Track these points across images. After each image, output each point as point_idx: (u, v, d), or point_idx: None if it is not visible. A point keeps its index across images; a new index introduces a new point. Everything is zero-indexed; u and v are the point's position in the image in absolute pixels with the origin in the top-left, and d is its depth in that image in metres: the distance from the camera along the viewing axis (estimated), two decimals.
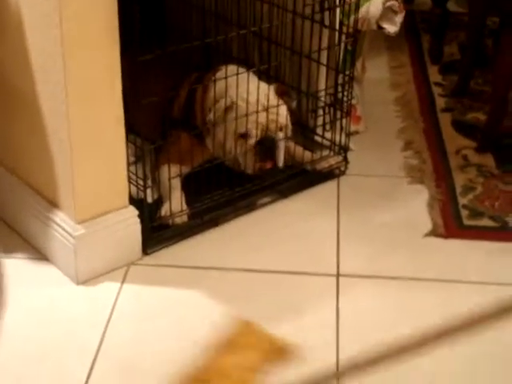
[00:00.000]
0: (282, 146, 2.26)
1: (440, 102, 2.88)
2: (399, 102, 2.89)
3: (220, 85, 2.18)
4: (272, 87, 2.28)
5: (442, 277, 2.04)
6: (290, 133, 2.33)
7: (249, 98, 2.19)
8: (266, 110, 2.20)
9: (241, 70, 2.22)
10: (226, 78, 2.14)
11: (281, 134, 2.26)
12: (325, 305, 1.95)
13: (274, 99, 2.25)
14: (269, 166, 2.25)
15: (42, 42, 1.81)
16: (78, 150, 1.87)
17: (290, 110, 2.33)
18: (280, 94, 2.29)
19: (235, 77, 2.17)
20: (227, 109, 2.19)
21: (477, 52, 2.88)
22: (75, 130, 1.84)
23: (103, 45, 1.80)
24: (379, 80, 3.02)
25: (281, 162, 2.28)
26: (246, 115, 2.18)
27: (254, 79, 2.24)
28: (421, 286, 2.01)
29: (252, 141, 2.22)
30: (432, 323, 1.84)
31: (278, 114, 2.24)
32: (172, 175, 2.13)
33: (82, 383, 1.71)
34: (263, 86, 2.24)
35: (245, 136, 2.22)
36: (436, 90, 2.97)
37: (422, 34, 3.40)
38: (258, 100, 2.19)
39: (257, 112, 2.19)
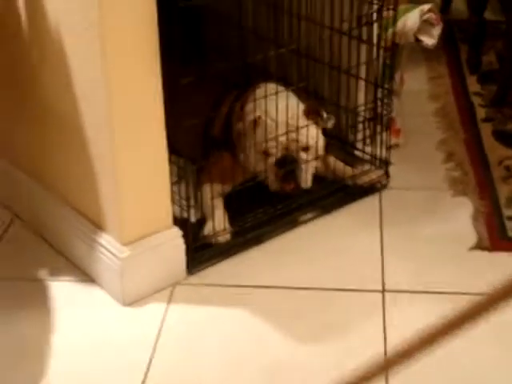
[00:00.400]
0: (305, 167, 2.24)
1: (480, 112, 2.86)
2: (439, 114, 2.87)
3: (254, 102, 2.19)
4: (301, 107, 2.26)
5: (487, 290, 2.02)
6: (320, 153, 2.30)
7: (277, 115, 2.18)
8: (287, 129, 2.19)
9: (278, 87, 2.23)
10: (265, 96, 2.15)
11: (304, 155, 2.24)
12: (371, 322, 1.93)
13: (301, 119, 2.23)
14: (290, 187, 2.23)
15: (84, 69, 1.84)
16: (122, 173, 1.89)
17: (323, 129, 2.31)
18: (309, 114, 2.26)
19: (270, 94, 2.17)
20: (255, 123, 2.20)
21: None
22: (119, 154, 1.87)
23: (145, 70, 1.82)
24: (418, 92, 3.00)
25: (305, 184, 2.25)
26: (265, 132, 2.18)
27: (283, 97, 2.22)
28: (467, 300, 1.98)
29: (272, 159, 2.22)
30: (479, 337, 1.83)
31: (300, 134, 2.22)
32: (214, 195, 2.15)
33: None
34: (292, 104, 2.23)
35: (266, 154, 2.22)
36: (476, 100, 2.94)
37: (460, 44, 3.38)
38: (285, 119, 2.19)
39: (276, 130, 2.18)
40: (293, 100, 2.24)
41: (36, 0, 1.91)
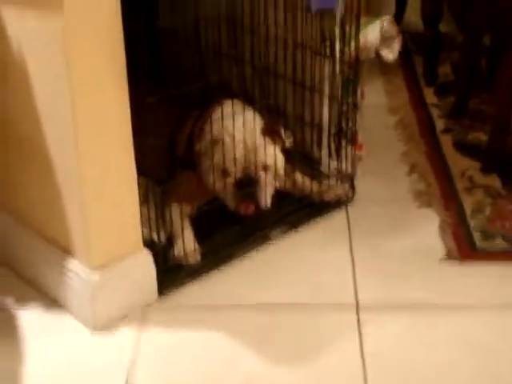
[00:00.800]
0: (264, 187, 2.20)
1: (439, 124, 2.89)
2: (399, 126, 2.89)
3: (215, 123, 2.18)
4: (259, 125, 2.24)
5: (460, 302, 2.03)
6: (280, 172, 2.27)
7: (235, 134, 2.16)
8: (245, 148, 2.18)
9: (236, 105, 2.21)
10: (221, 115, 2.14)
11: (263, 175, 2.21)
12: (346, 339, 1.92)
13: (259, 138, 2.21)
14: (249, 208, 2.19)
15: (48, 89, 1.80)
16: (90, 197, 1.86)
17: (283, 149, 2.29)
18: (267, 133, 2.24)
19: (228, 113, 2.16)
20: (213, 142, 2.17)
21: (472, 72, 2.90)
22: (86, 176, 1.83)
23: (112, 87, 1.79)
24: (377, 105, 3.03)
25: (264, 204, 2.21)
26: (222, 152, 2.16)
27: (241, 116, 2.20)
28: (441, 312, 2.00)
29: (231, 179, 2.19)
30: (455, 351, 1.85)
31: (259, 153, 2.19)
32: (183, 215, 2.12)
33: None
34: (250, 123, 2.21)
35: (224, 173, 2.19)
36: (434, 112, 2.98)
37: (414, 56, 3.42)
38: (243, 139, 2.17)
39: (234, 149, 2.16)
40: (251, 119, 2.22)
41: None
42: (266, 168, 2.21)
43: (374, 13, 2.57)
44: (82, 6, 1.69)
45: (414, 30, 3.56)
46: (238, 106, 2.22)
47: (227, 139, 2.17)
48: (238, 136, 2.17)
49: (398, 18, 3.62)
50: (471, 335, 1.92)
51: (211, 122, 2.18)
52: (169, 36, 2.77)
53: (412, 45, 3.46)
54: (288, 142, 2.31)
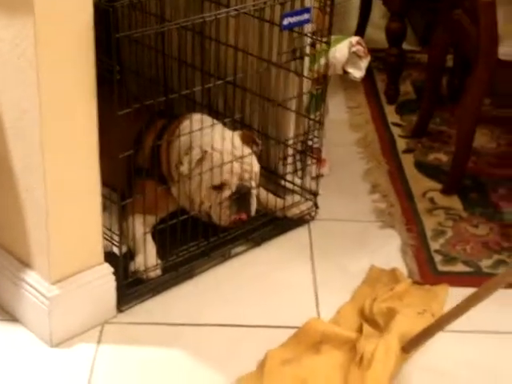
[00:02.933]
0: (254, 195, 2.24)
1: (401, 143, 2.90)
2: (361, 144, 2.89)
3: (186, 136, 2.14)
4: (236, 135, 2.23)
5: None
6: (257, 181, 2.29)
7: (224, 146, 2.15)
8: (241, 158, 2.17)
9: (206, 118, 2.19)
10: (190, 131, 2.11)
11: (253, 183, 2.23)
12: None
13: (242, 147, 2.21)
14: (244, 217, 2.20)
15: (16, 99, 1.75)
16: (53, 208, 1.81)
17: (257, 156, 2.30)
18: (247, 141, 2.25)
19: (200, 127, 2.13)
20: (200, 160, 2.15)
21: (435, 91, 2.92)
22: (51, 187, 1.78)
23: (80, 101, 1.75)
24: (338, 121, 3.02)
25: (254, 212, 2.24)
26: (221, 165, 2.15)
27: (218, 128, 2.20)
28: None
29: (228, 193, 2.17)
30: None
31: (246, 162, 2.20)
32: (145, 227, 2.08)
33: None
34: (228, 134, 2.21)
35: (218, 188, 2.17)
36: (395, 131, 2.99)
37: (376, 73, 3.43)
38: (231, 149, 2.15)
39: (231, 162, 2.15)
40: (227, 130, 2.21)
41: None
42: (253, 176, 2.22)
43: (336, 29, 2.56)
44: (55, 17, 1.65)
45: (374, 47, 3.58)
46: (206, 118, 2.19)
47: (216, 153, 2.14)
48: (226, 148, 2.15)
49: (360, 34, 3.63)
50: (429, 357, 1.93)
51: (185, 135, 2.14)
52: (131, 44, 2.72)
53: (374, 62, 3.47)
54: (258, 150, 2.30)
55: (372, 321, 1.96)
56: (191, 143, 2.14)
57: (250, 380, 1.80)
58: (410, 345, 1.86)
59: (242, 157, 2.18)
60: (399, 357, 1.85)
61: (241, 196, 2.18)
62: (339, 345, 1.87)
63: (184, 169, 2.15)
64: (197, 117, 2.20)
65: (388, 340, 1.85)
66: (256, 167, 2.24)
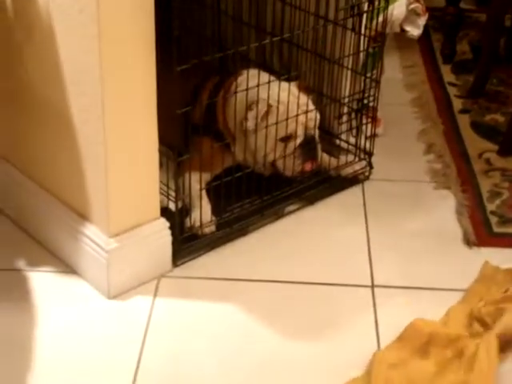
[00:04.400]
0: (319, 143, 2.27)
1: (457, 103, 2.87)
2: (416, 104, 2.86)
3: (244, 91, 2.13)
4: (294, 85, 2.23)
5: None
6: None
7: (287, 99, 2.16)
8: (306, 110, 2.19)
9: (263, 74, 2.18)
10: (247, 85, 2.10)
11: (317, 131, 2.25)
12: (362, 317, 1.92)
13: (303, 97, 2.22)
14: (310, 166, 2.24)
15: (76, 53, 1.76)
16: (113, 164, 1.83)
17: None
18: (304, 90, 2.25)
19: (257, 82, 2.12)
20: (266, 114, 2.15)
21: (493, 52, 2.86)
22: (110, 142, 1.80)
23: (140, 56, 1.76)
24: (393, 81, 2.99)
25: (320, 158, 2.29)
26: (287, 117, 2.16)
27: (274, 81, 2.19)
28: (456, 296, 1.99)
29: (296, 142, 2.20)
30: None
31: (310, 113, 2.22)
32: (202, 184, 2.09)
33: None
34: (286, 86, 2.20)
35: (286, 139, 2.19)
36: (451, 91, 2.95)
37: (432, 33, 3.37)
38: (297, 101, 2.16)
39: (297, 114, 2.17)
40: (283, 82, 2.21)
41: None
42: (316, 125, 2.25)
43: None
44: None
45: (431, 6, 3.51)
46: (264, 74, 2.18)
47: (281, 106, 2.16)
48: (290, 99, 2.16)
49: None
50: None
51: (236, 91, 2.14)
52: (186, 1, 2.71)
53: (431, 21, 3.41)
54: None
55: (481, 320, 1.87)
56: (254, 97, 2.14)
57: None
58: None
59: (306, 108, 2.19)
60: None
61: (307, 145, 2.21)
62: (448, 343, 1.79)
63: (250, 124, 2.16)
64: (253, 72, 2.19)
65: (489, 338, 1.77)
66: (318, 115, 2.26)
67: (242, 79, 2.21)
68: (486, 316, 1.86)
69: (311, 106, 2.23)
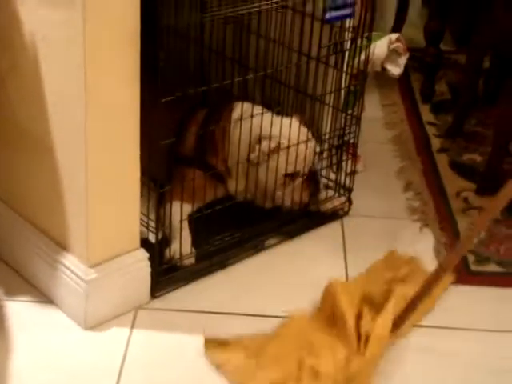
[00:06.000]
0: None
1: (435, 142, 2.90)
2: (396, 142, 2.89)
3: (244, 124, 2.16)
4: (295, 120, 2.26)
5: (455, 325, 2.03)
6: None
7: (291, 136, 2.21)
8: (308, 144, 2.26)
9: (256, 108, 2.20)
10: (251, 116, 2.16)
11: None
12: None
13: (304, 131, 2.26)
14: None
15: (60, 84, 1.77)
16: (93, 194, 1.82)
17: None
18: (304, 124, 2.29)
19: (255, 115, 2.16)
20: (274, 150, 2.19)
21: (472, 92, 2.91)
22: (92, 173, 1.80)
23: (124, 88, 1.77)
24: (373, 119, 3.02)
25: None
26: (296, 155, 2.22)
27: (276, 116, 2.23)
28: (436, 333, 2.00)
29: (300, 178, 2.26)
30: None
31: (313, 146, 2.28)
32: (183, 215, 2.09)
33: None
34: (287, 121, 2.24)
35: (291, 175, 2.23)
36: (430, 130, 2.99)
37: (411, 73, 3.42)
38: (299, 137, 2.22)
39: (305, 151, 2.24)
40: (284, 117, 2.25)
41: (10, 5, 1.83)
42: (316, 158, 2.34)
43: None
44: (102, 10, 1.67)
45: (411, 46, 3.56)
46: (258, 108, 2.22)
47: (291, 143, 2.20)
48: (293, 136, 2.21)
49: (396, 32, 3.62)
50: (462, 355, 1.93)
51: (241, 123, 2.19)
52: (170, 34, 2.73)
53: (410, 61, 3.46)
54: None
55: (369, 301, 1.98)
56: (264, 132, 2.18)
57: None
58: (400, 320, 1.88)
59: (304, 142, 2.25)
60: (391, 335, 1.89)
61: (311, 178, 2.29)
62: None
63: (254, 157, 2.19)
64: (247, 106, 2.21)
65: (383, 319, 1.89)
66: (317, 149, 2.32)
67: (237, 113, 2.23)
68: (375, 298, 1.98)
69: (312, 141, 2.29)
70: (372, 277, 2.11)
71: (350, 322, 1.89)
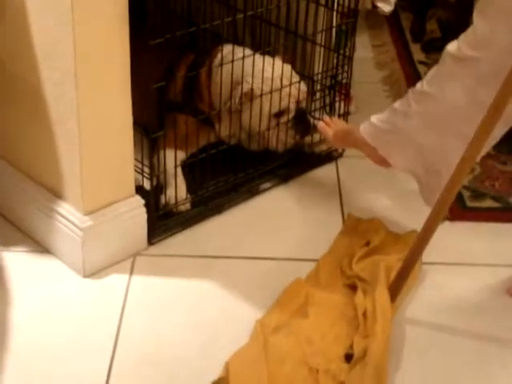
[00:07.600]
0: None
1: None
2: (387, 82, 2.87)
3: (227, 67, 2.12)
4: (278, 59, 2.23)
5: (449, 260, 2.04)
6: None
7: (269, 75, 2.16)
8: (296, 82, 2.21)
9: (239, 50, 2.17)
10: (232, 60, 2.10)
11: (304, 103, 2.28)
12: None
13: (289, 69, 2.21)
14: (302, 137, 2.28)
15: (50, 26, 1.73)
16: (87, 140, 1.80)
17: None
18: (288, 63, 2.26)
19: (241, 56, 2.12)
20: (247, 94, 2.15)
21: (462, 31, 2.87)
22: (84, 118, 1.77)
23: (115, 30, 1.73)
24: (364, 59, 2.99)
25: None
26: (280, 92, 2.17)
27: (258, 56, 2.19)
28: (429, 269, 2.01)
29: (286, 117, 2.21)
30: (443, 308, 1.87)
31: (299, 85, 2.23)
32: (177, 162, 2.08)
33: (103, 378, 1.66)
34: (271, 60, 2.20)
35: (279, 114, 2.20)
36: (421, 69, 2.96)
37: (400, 12, 3.38)
38: (288, 75, 2.18)
39: (290, 85, 2.19)
40: (267, 57, 2.20)
41: None
42: (305, 97, 2.28)
43: None
44: None
45: None
46: (242, 50, 2.17)
47: (269, 83, 2.16)
48: (276, 74, 2.17)
49: None
50: (456, 289, 1.95)
51: (221, 66, 2.13)
52: None
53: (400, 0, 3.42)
54: None
55: (357, 276, 1.91)
56: (238, 77, 2.13)
57: (246, 355, 1.72)
58: (392, 293, 1.83)
59: (297, 80, 2.21)
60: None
61: (299, 118, 2.23)
62: (326, 309, 1.84)
63: (234, 103, 2.15)
64: (229, 48, 2.17)
65: (381, 291, 1.82)
66: (304, 87, 2.27)
67: (226, 52, 2.19)
68: (360, 272, 1.91)
69: (297, 78, 2.24)
70: (338, 253, 2.02)
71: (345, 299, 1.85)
